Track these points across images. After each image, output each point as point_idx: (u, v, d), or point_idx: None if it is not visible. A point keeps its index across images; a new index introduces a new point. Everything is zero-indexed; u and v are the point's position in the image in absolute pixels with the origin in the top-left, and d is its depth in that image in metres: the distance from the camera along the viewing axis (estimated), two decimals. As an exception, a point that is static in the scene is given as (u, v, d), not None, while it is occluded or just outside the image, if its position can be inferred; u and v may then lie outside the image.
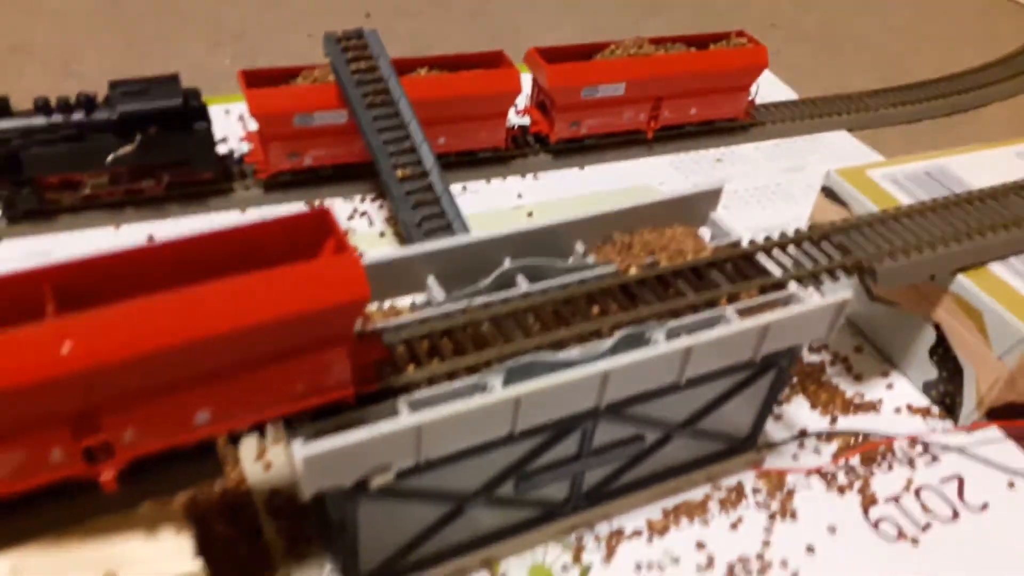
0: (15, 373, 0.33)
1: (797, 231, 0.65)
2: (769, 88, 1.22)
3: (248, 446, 0.61)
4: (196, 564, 0.45)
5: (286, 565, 0.54)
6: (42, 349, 0.34)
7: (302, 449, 0.42)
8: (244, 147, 0.93)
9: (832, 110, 1.17)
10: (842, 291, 0.56)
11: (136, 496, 0.45)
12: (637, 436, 0.57)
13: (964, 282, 0.67)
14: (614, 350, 0.51)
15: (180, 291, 0.36)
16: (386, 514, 0.50)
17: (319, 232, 0.41)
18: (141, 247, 0.38)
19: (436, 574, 0.55)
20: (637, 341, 0.51)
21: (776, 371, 0.59)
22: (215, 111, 0.99)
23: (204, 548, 0.53)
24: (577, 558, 0.58)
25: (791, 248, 0.63)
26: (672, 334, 0.52)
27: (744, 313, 0.54)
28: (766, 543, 0.60)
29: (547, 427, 0.51)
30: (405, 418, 0.45)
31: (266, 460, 0.60)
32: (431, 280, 0.56)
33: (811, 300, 0.55)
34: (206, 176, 0.88)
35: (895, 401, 0.73)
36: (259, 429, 0.45)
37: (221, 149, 0.91)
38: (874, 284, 0.63)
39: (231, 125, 1.00)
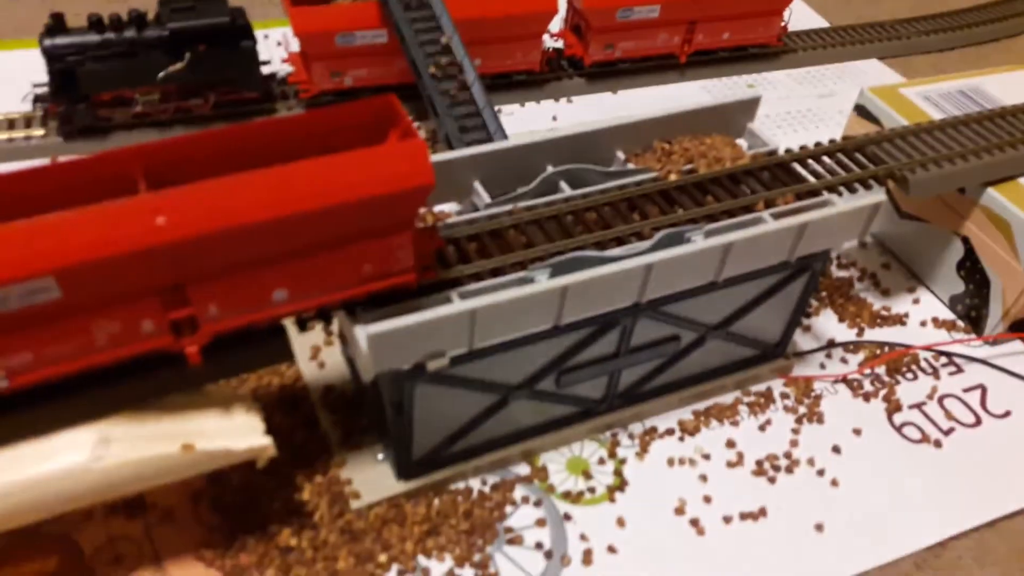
0: (114, 243, 0.36)
1: (832, 141, 0.66)
2: (800, 16, 1.21)
3: (303, 345, 0.64)
4: (267, 439, 0.48)
5: (341, 452, 0.57)
6: (139, 221, 0.37)
7: (368, 328, 0.45)
8: (286, 69, 0.94)
9: (863, 38, 1.16)
10: (875, 195, 0.58)
11: (213, 375, 0.48)
12: (673, 336, 0.60)
13: (994, 195, 0.68)
14: (656, 248, 0.53)
15: (265, 170, 0.38)
16: (438, 400, 0.53)
17: (385, 119, 0.43)
18: (224, 130, 0.41)
19: (479, 463, 0.58)
20: (678, 240, 0.53)
21: (809, 274, 0.60)
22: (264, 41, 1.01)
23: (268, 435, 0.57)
24: (612, 453, 0.61)
25: (825, 158, 0.64)
26: (711, 233, 0.54)
27: (780, 216, 0.56)
28: (793, 443, 0.63)
29: (589, 321, 0.54)
30: (459, 304, 0.47)
31: (320, 359, 0.63)
32: (476, 184, 0.58)
33: (846, 202, 0.57)
34: (251, 95, 0.90)
35: (921, 315, 0.75)
36: (325, 317, 0.48)
37: (264, 70, 0.93)
38: (906, 194, 0.64)
39: (270, 48, 1.01)
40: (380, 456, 0.57)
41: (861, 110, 0.79)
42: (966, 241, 0.72)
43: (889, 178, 0.64)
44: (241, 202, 0.38)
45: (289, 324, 0.48)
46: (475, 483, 0.58)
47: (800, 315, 0.64)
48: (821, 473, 0.61)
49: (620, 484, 0.59)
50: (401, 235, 0.43)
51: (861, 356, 0.70)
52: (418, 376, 0.50)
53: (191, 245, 0.37)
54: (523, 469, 0.59)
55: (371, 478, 0.56)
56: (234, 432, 0.48)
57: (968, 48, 1.23)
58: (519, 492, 0.58)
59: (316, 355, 0.63)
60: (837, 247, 0.59)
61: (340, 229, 0.41)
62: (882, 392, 0.68)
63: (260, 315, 0.43)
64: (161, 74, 0.82)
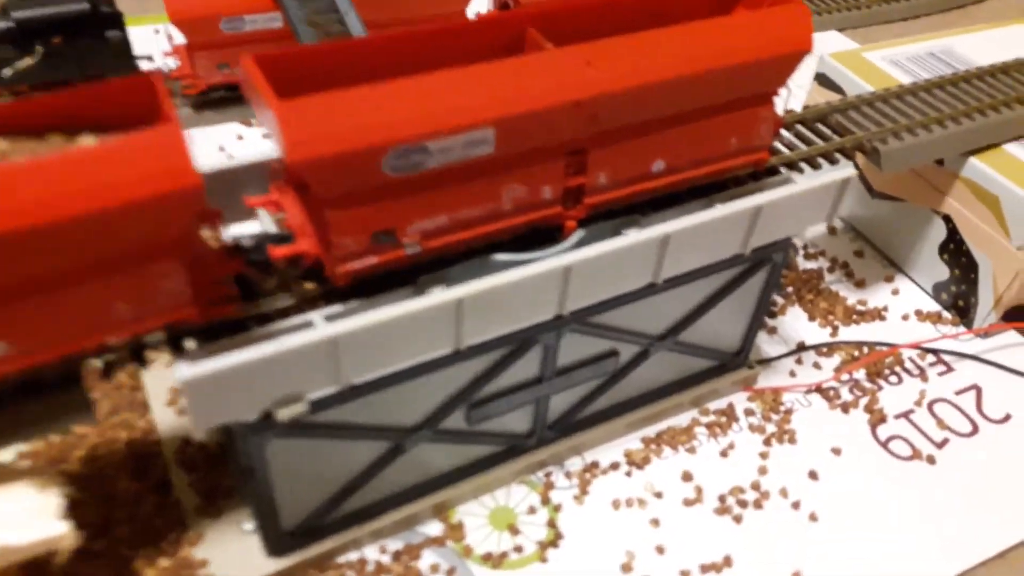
0: (554, 93, 0.36)
1: (788, 112, 0.56)
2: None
3: (159, 389, 0.52)
4: (62, 526, 0.36)
5: (199, 523, 0.46)
6: (574, 71, 0.37)
7: (186, 370, 0.34)
8: (171, 64, 0.83)
9: (821, 8, 1.07)
10: (842, 169, 0.48)
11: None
12: (610, 352, 0.49)
13: (978, 165, 0.59)
14: (578, 244, 0.42)
15: (675, 28, 0.39)
16: (306, 455, 0.41)
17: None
18: None
19: (378, 526, 0.46)
20: (603, 235, 0.43)
21: (769, 268, 0.50)
22: (143, 32, 0.89)
23: (104, 506, 0.46)
24: (546, 498, 0.50)
25: (782, 132, 0.54)
26: (645, 225, 0.43)
27: (729, 199, 0.46)
28: (762, 470, 0.52)
29: (501, 341, 0.43)
30: (314, 332, 0.36)
31: (179, 405, 0.52)
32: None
33: (808, 180, 0.47)
34: (122, 97, 0.78)
35: (902, 307, 0.65)
36: (138, 355, 0.37)
37: (146, 66, 0.81)
38: (878, 168, 0.54)
39: (160, 44, 0.89)
40: (247, 526, 0.46)
41: (822, 79, 0.69)
42: (948, 220, 0.62)
43: (858, 151, 0.54)
44: (663, 57, 0.38)
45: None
46: (372, 552, 0.46)
47: (762, 316, 0.54)
48: (796, 506, 0.51)
49: (554, 538, 0.48)
50: (767, 106, 0.44)
51: (836, 360, 0.60)
52: (268, 429, 0.38)
53: (619, 97, 0.38)
54: (434, 528, 0.48)
55: (234, 557, 0.44)
56: (21, 520, 0.36)
57: (932, 16, 1.15)
58: (428, 559, 0.46)
59: (175, 400, 0.52)
60: (800, 233, 0.49)
61: (728, 92, 0.41)
62: (863, 401, 0.58)
63: (639, 187, 0.43)
64: (7, 71, 0.70)
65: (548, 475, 0.51)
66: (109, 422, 0.50)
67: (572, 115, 0.38)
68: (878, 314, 0.64)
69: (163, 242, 0.32)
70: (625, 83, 0.38)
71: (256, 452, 0.39)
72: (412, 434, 0.44)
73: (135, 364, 0.37)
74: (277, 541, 0.43)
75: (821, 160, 0.52)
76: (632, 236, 0.42)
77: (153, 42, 0.90)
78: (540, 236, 0.43)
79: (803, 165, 0.52)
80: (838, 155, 0.53)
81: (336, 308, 0.39)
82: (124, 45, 0.76)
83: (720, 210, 0.44)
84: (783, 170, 0.50)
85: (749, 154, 0.45)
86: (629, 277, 0.44)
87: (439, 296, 0.38)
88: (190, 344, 0.37)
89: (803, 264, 0.67)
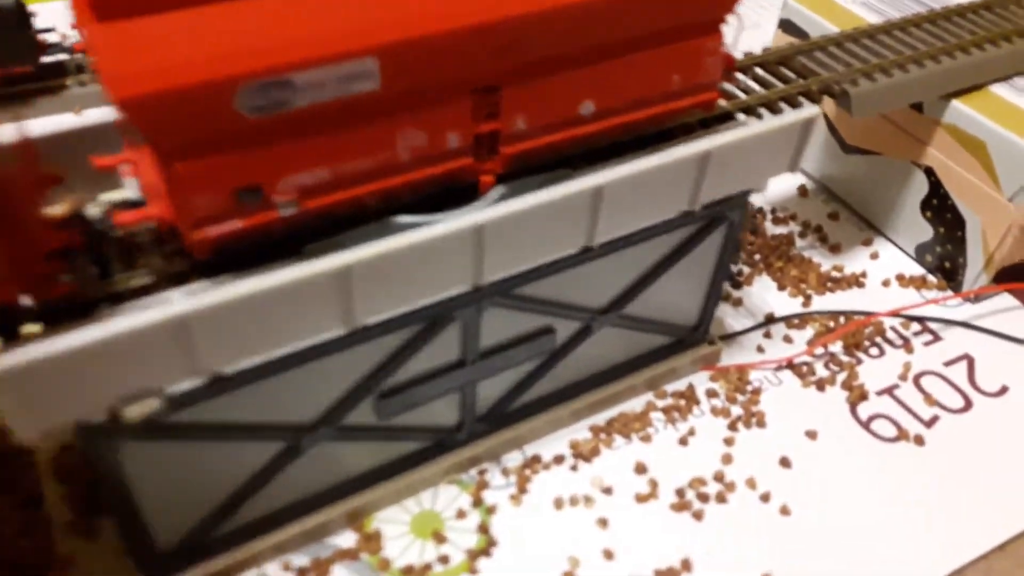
0: (450, 17, 0.30)
1: (747, 55, 0.50)
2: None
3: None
4: None
5: (70, 541, 0.39)
6: None
7: (-7, 363, 0.27)
8: (75, 36, 0.76)
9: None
10: (805, 110, 0.41)
11: None
12: (544, 329, 0.43)
13: (960, 108, 0.52)
14: (497, 203, 0.36)
15: None
16: (177, 462, 0.35)
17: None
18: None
19: (281, 538, 0.40)
20: (529, 190, 0.37)
21: (725, 229, 0.44)
22: (53, 6, 0.82)
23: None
24: (478, 499, 0.44)
25: (739, 76, 0.48)
26: (573, 176, 0.37)
27: (672, 145, 0.39)
28: (727, 458, 0.46)
29: (407, 319, 0.37)
30: (160, 309, 0.30)
31: (55, 406, 0.45)
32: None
33: (764, 122, 0.40)
34: (22, 70, 0.71)
35: (882, 272, 0.59)
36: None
37: (48, 38, 0.74)
38: (848, 113, 0.48)
39: (65, 16, 0.82)
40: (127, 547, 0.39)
41: (787, 26, 0.63)
42: (930, 173, 0.56)
43: (825, 94, 0.48)
44: None
45: None
46: (274, 570, 0.40)
47: (720, 285, 0.47)
48: (765, 498, 0.45)
49: (485, 546, 0.42)
50: (713, 37, 0.37)
51: (810, 332, 0.54)
52: (118, 431, 0.32)
53: (534, 22, 0.31)
54: (348, 539, 0.42)
55: (105, 582, 0.38)
56: None
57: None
58: (338, 575, 0.40)
59: (49, 401, 0.45)
60: (760, 186, 0.43)
61: (666, 16, 0.35)
62: (840, 377, 0.52)
63: (565, 134, 0.36)
64: None
65: (482, 473, 0.45)
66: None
67: (477, 44, 0.31)
68: (856, 280, 0.58)
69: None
70: (540, 4, 0.31)
71: (109, 459, 0.32)
72: (309, 433, 0.38)
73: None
74: (152, 563, 0.37)
75: (783, 105, 0.46)
76: (558, 190, 0.35)
77: (59, 13, 0.83)
78: (456, 196, 0.36)
79: (762, 111, 0.45)
80: (802, 99, 0.47)
81: (201, 284, 0.32)
82: (18, 14, 0.69)
83: (661, 157, 0.37)
84: (740, 116, 0.44)
85: (695, 94, 0.39)
86: (558, 240, 0.37)
87: (319, 264, 0.32)
88: (30, 329, 0.30)
89: (772, 229, 0.61)
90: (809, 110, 0.41)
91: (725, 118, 0.43)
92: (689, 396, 0.49)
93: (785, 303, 0.56)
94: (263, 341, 0.33)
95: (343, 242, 0.33)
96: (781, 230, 0.61)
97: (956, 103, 0.52)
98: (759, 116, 0.45)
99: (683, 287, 0.46)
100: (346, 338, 0.35)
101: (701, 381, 0.50)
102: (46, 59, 0.71)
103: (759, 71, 0.49)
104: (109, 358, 0.29)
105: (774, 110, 0.46)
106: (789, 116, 0.40)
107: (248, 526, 0.40)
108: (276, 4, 0.28)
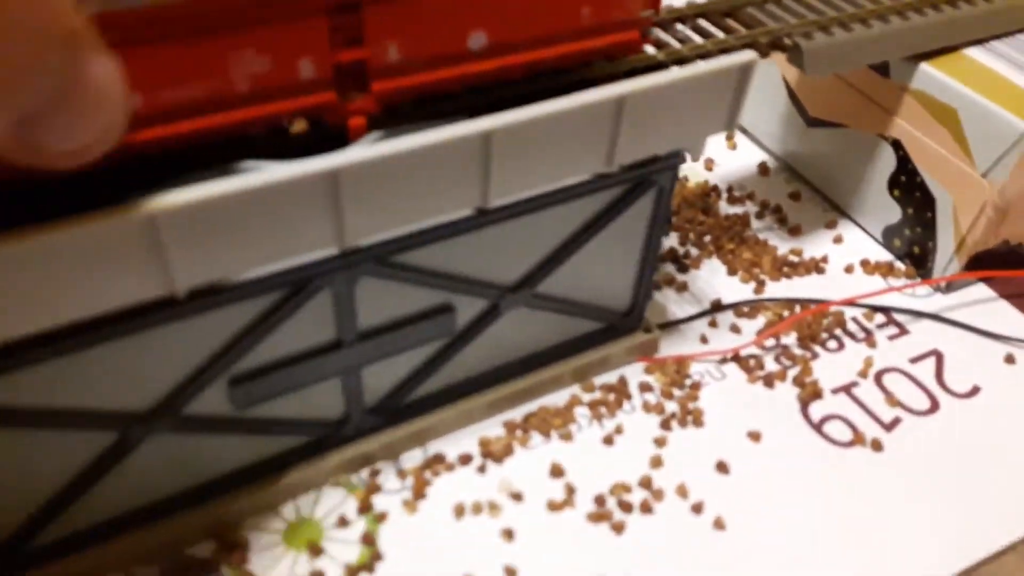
0: None
1: (689, 3, 0.44)
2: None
3: None
4: None
5: None
6: None
7: None
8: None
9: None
10: (741, 55, 0.36)
11: None
12: (442, 307, 0.37)
13: (930, 72, 0.47)
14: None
15: None
16: (-29, 452, 0.29)
17: None
18: None
19: (125, 550, 0.34)
20: (404, 134, 0.31)
21: (654, 196, 0.38)
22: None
23: None
24: (365, 505, 0.38)
25: (677, 26, 0.43)
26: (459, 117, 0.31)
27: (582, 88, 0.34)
28: (656, 461, 0.40)
29: (260, 285, 0.31)
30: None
31: None
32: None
33: (690, 68, 0.35)
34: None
35: (845, 258, 0.53)
36: None
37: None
38: (801, 69, 0.42)
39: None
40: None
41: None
42: (898, 147, 0.50)
43: (775, 48, 0.43)
44: None
45: None
46: (111, 583, 0.34)
47: (652, 263, 0.42)
48: (698, 509, 0.39)
49: (368, 560, 0.36)
50: None
51: (761, 321, 0.49)
52: None
53: None
54: (205, 549, 0.36)
55: None
56: None
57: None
58: (188, 591, 0.34)
59: None
60: (691, 146, 0.37)
61: None
62: (792, 372, 0.46)
63: (450, 71, 0.30)
64: None
65: (375, 475, 0.39)
66: None
67: None
68: (815, 266, 0.52)
69: None
70: None
71: None
72: (145, 423, 0.32)
73: None
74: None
75: (723, 57, 0.41)
76: (436, 134, 0.30)
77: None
78: (329, 146, 0.31)
79: (699, 63, 0.40)
80: (749, 51, 0.41)
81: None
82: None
83: (566, 102, 0.31)
84: (675, 69, 0.38)
85: (611, 33, 0.33)
86: (443, 197, 0.31)
87: (124, 210, 0.26)
88: None
89: (726, 209, 0.56)
90: (746, 55, 0.35)
91: (655, 67, 0.38)
92: (620, 389, 0.43)
93: (736, 289, 0.50)
94: (53, 303, 0.26)
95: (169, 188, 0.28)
96: (736, 210, 0.56)
97: (925, 66, 0.47)
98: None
99: (610, 265, 0.40)
100: (178, 306, 0.29)
101: (635, 373, 0.44)
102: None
103: (701, 22, 0.43)
104: None
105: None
106: (722, 61, 0.35)
107: (83, 532, 0.34)
108: None
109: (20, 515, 0.32)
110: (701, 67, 0.34)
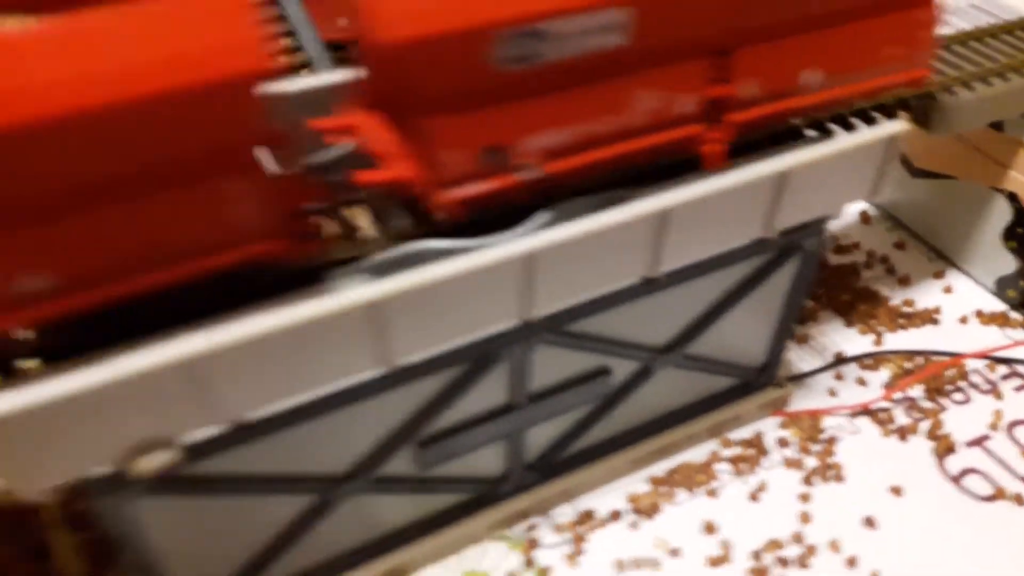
0: None
1: (812, 71, 0.46)
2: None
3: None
4: None
5: (77, 605, 0.36)
6: None
7: (-24, 412, 0.24)
8: None
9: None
10: (888, 125, 0.38)
11: None
12: (600, 370, 0.38)
13: (1050, 128, 0.49)
14: (544, 227, 0.32)
15: None
16: (198, 518, 0.31)
17: None
18: None
19: (310, 602, 0.36)
20: (579, 213, 0.33)
21: (800, 259, 0.40)
22: None
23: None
24: (529, 559, 0.39)
25: (805, 92, 0.44)
26: (637, 196, 0.33)
27: (745, 164, 0.36)
28: (804, 517, 0.41)
29: (449, 359, 0.33)
30: (173, 346, 0.26)
31: (66, 453, 0.42)
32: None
33: (846, 138, 0.37)
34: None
35: (958, 308, 0.54)
36: None
37: None
38: (926, 130, 0.44)
39: None
40: (136, 609, 0.36)
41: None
42: (1014, 199, 0.52)
43: (900, 108, 0.44)
44: None
45: None
46: (300, 637, 0.36)
47: (791, 322, 0.43)
48: (852, 563, 0.40)
49: (538, 614, 0.38)
50: (925, 8, 0.34)
51: (885, 373, 0.49)
52: (129, 486, 0.28)
53: None
54: (382, 603, 0.38)
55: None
56: None
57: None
58: (372, 646, 0.36)
59: (59, 447, 0.42)
60: (837, 212, 0.39)
61: None
62: (923, 426, 0.47)
63: (789, 103, 0.34)
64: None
65: (531, 529, 0.41)
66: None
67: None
68: (929, 317, 0.53)
69: (222, 153, 0.24)
70: None
71: (122, 517, 0.28)
72: (342, 485, 0.34)
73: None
74: (166, 633, 0.33)
75: (856, 120, 0.42)
76: (619, 212, 0.32)
77: None
78: (489, 224, 0.33)
79: (832, 126, 0.41)
80: (876, 114, 0.43)
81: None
82: None
83: (734, 176, 0.33)
84: (809, 132, 0.40)
85: (908, 71, 0.36)
86: (617, 269, 0.33)
87: (346, 297, 0.28)
88: (29, 365, 0.27)
89: (833, 259, 0.57)
90: (891, 126, 0.37)
91: (793, 134, 0.40)
92: (757, 445, 0.44)
93: (855, 341, 0.51)
94: (289, 383, 0.29)
95: (371, 269, 0.30)
96: (843, 259, 0.57)
97: (1043, 122, 0.48)
98: (829, 132, 0.41)
99: (751, 324, 0.42)
100: (382, 380, 0.31)
101: (769, 428, 0.45)
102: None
103: (827, 89, 0.45)
104: (114, 403, 0.25)
105: (848, 124, 0.42)
106: (869, 132, 0.37)
107: (274, 589, 0.36)
108: None
109: (229, 570, 0.34)
110: (854, 139, 0.36)
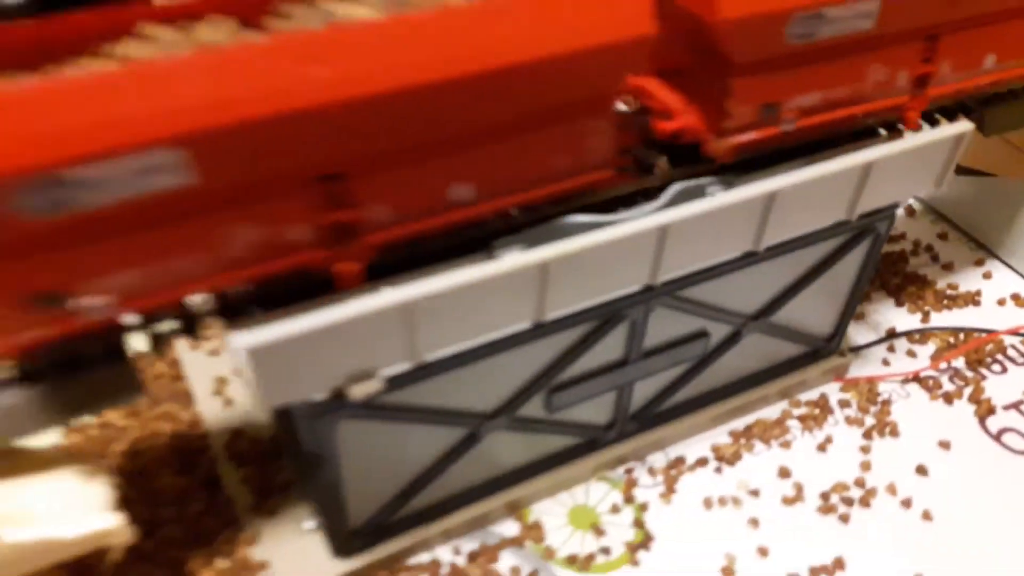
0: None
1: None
2: None
3: (204, 378, 0.48)
4: (116, 519, 0.32)
5: (254, 522, 0.41)
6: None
7: (251, 337, 0.30)
8: None
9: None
10: (958, 125, 0.43)
11: (31, 422, 0.32)
12: (700, 332, 0.44)
13: (1086, 131, 0.54)
14: (672, 203, 0.38)
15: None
16: (377, 442, 0.37)
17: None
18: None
19: (449, 524, 0.42)
20: (697, 194, 0.39)
21: (872, 240, 0.45)
22: None
23: (149, 504, 0.42)
24: (629, 496, 0.45)
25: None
26: (744, 182, 0.39)
27: (833, 156, 0.41)
28: (865, 466, 0.47)
29: (585, 315, 0.39)
30: (390, 294, 0.32)
31: (225, 395, 0.47)
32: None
33: (920, 136, 0.42)
34: None
35: (997, 292, 0.60)
36: (189, 325, 0.33)
37: None
38: (981, 133, 0.50)
39: None
40: (308, 525, 0.41)
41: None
42: (1050, 194, 0.58)
43: (960, 111, 0.50)
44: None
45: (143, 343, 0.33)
46: (445, 553, 0.42)
47: (859, 296, 0.49)
48: (907, 504, 0.46)
49: (644, 539, 0.43)
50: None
51: (932, 347, 0.55)
52: (340, 409, 0.34)
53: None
54: (511, 528, 0.44)
55: (296, 558, 0.40)
56: (67, 511, 0.32)
57: None
58: (507, 561, 0.42)
59: (221, 389, 0.47)
60: (906, 198, 0.45)
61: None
62: (967, 391, 0.53)
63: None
64: None
65: (629, 471, 0.47)
66: (151, 413, 0.46)
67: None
68: (971, 299, 0.59)
69: (599, 97, 0.33)
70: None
71: (326, 436, 0.34)
72: (489, 420, 0.40)
73: (189, 338, 0.33)
74: (344, 541, 0.39)
75: (942, 128, 0.48)
76: (736, 193, 0.37)
77: None
78: (608, 203, 0.38)
79: (926, 132, 0.47)
80: (938, 115, 0.49)
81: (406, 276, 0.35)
82: None
83: (830, 165, 0.39)
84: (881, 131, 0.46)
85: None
86: (728, 242, 0.39)
87: (522, 258, 0.34)
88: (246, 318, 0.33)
89: (884, 247, 0.63)
90: (960, 126, 0.43)
91: (870, 132, 0.45)
92: (823, 405, 0.50)
93: (904, 318, 0.57)
94: (466, 330, 0.35)
95: (528, 238, 0.36)
96: (892, 247, 0.63)
97: (1080, 125, 0.54)
98: (900, 131, 0.47)
99: (824, 298, 0.48)
100: (531, 332, 0.37)
101: (832, 392, 0.51)
102: None
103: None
104: (347, 339, 0.31)
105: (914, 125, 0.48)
106: (944, 131, 0.42)
107: (420, 512, 0.41)
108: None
109: (391, 493, 0.40)
110: (928, 137, 0.42)
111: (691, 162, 0.39)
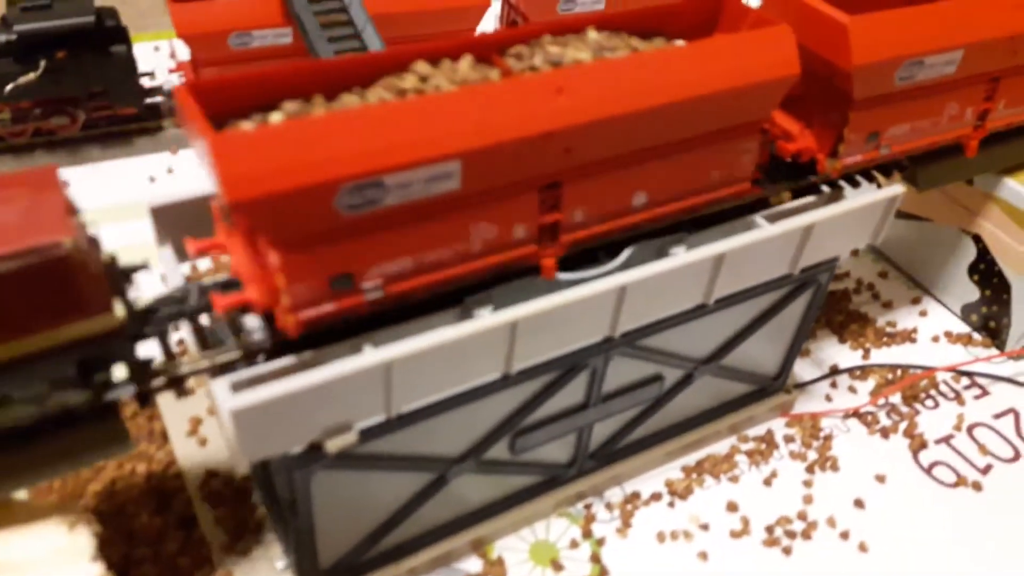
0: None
1: (822, 131, 0.56)
2: None
3: (179, 418, 0.50)
4: (95, 568, 0.34)
5: (227, 562, 0.43)
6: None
7: (232, 399, 0.31)
8: (174, 80, 0.80)
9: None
10: (890, 188, 0.47)
11: (13, 477, 0.33)
12: (655, 377, 0.47)
13: (1014, 187, 0.58)
14: (628, 264, 0.41)
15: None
16: (349, 489, 0.39)
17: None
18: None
19: (415, 563, 0.44)
20: (654, 254, 0.41)
21: (814, 289, 0.49)
22: (143, 48, 0.87)
23: (125, 543, 0.43)
24: (587, 531, 0.48)
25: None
26: (697, 243, 0.42)
27: (778, 218, 0.45)
28: (807, 499, 0.51)
29: (549, 365, 0.41)
30: (370, 355, 0.34)
31: (200, 434, 0.49)
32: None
33: (858, 197, 0.46)
34: (128, 111, 0.76)
35: (931, 329, 0.64)
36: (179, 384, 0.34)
37: (147, 83, 0.78)
38: (915, 189, 0.54)
39: (161, 61, 0.87)
40: (280, 565, 0.43)
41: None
42: (978, 240, 0.62)
43: (896, 168, 0.54)
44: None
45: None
46: (410, 590, 0.44)
47: (803, 340, 0.52)
48: (845, 536, 0.49)
49: (600, 573, 0.46)
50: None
51: (871, 383, 0.59)
52: (315, 461, 0.36)
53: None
54: (474, 564, 0.46)
55: (267, 597, 0.42)
56: (50, 560, 0.34)
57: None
58: (469, 597, 0.44)
59: (196, 429, 0.49)
60: (845, 252, 0.48)
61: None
62: (902, 426, 0.56)
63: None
64: (9, 87, 0.68)
65: (588, 507, 0.49)
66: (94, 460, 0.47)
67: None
68: (908, 336, 0.63)
69: (754, 121, 0.40)
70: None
71: (301, 486, 0.36)
72: (456, 465, 0.42)
73: (173, 393, 0.34)
74: (313, 580, 0.41)
75: (859, 177, 0.52)
76: (688, 255, 0.40)
77: (153, 59, 0.88)
78: (576, 258, 0.41)
79: (861, 194, 0.51)
80: (874, 172, 0.52)
81: (383, 334, 0.37)
82: (129, 60, 0.74)
83: (773, 228, 0.42)
84: (824, 187, 0.49)
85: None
86: (682, 297, 0.42)
87: (493, 318, 0.36)
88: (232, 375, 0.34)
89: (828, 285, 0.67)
90: (893, 189, 0.46)
91: (812, 189, 0.49)
92: (769, 440, 0.54)
93: (846, 355, 0.61)
94: (439, 383, 0.37)
95: (496, 296, 0.38)
96: (837, 286, 0.67)
97: (1010, 181, 0.58)
98: (840, 187, 0.50)
99: (771, 341, 0.51)
100: (499, 382, 0.40)
101: (778, 427, 0.55)
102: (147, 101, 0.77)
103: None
104: (327, 397, 0.33)
105: (853, 181, 0.51)
106: (876, 194, 0.46)
107: (388, 552, 0.43)
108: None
109: (360, 535, 0.41)
110: (867, 199, 0.45)
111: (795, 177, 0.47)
